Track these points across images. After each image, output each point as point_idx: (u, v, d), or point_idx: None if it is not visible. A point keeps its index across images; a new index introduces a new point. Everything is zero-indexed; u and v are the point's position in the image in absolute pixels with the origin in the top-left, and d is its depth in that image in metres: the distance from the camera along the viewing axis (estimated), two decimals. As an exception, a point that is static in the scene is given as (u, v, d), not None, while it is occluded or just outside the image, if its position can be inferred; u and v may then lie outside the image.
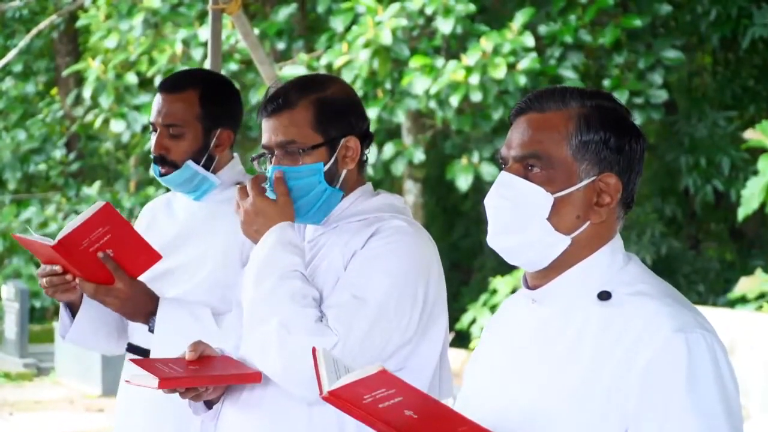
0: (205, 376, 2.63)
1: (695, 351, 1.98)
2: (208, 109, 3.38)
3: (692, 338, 1.98)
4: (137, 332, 3.31)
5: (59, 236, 3.00)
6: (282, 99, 2.77)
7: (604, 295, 2.07)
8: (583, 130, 2.09)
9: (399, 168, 12.34)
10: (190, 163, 3.35)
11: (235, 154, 3.49)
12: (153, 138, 3.38)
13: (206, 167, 3.38)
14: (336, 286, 2.67)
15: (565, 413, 2.01)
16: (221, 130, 3.40)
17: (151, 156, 3.38)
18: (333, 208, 2.79)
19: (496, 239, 2.13)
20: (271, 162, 2.78)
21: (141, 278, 3.20)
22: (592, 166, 2.09)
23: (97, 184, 15.95)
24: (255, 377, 2.64)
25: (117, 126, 12.96)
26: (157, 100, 3.39)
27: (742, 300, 10.42)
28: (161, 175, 3.36)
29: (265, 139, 2.79)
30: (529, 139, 2.10)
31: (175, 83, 3.42)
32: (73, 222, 3.00)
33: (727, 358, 2.02)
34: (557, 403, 2.02)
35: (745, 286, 10.33)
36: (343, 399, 1.99)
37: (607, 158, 2.09)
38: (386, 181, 14.03)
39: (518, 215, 2.09)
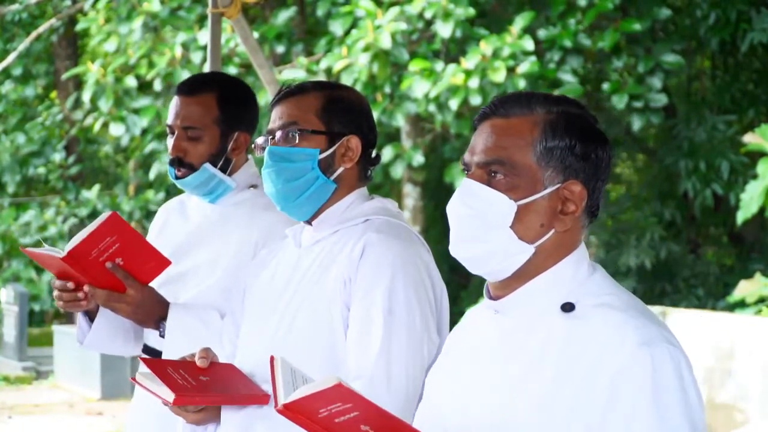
0: (218, 395, 2.61)
1: (660, 365, 1.94)
2: (225, 112, 3.38)
3: (657, 352, 1.95)
4: (153, 334, 3.32)
5: (68, 247, 3.01)
6: (296, 87, 2.82)
7: (568, 307, 2.03)
8: (549, 137, 2.04)
9: (398, 171, 12.34)
10: (207, 165, 3.35)
11: (250, 157, 3.49)
12: (170, 140, 3.37)
13: (223, 170, 3.38)
14: (355, 334, 2.66)
15: (529, 427, 1.97)
16: (238, 133, 3.40)
17: (168, 158, 3.38)
18: (323, 202, 2.78)
19: (458, 248, 2.08)
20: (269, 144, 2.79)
21: (155, 281, 3.20)
22: (557, 173, 2.04)
23: (97, 187, 15.95)
24: (264, 399, 2.63)
25: (116, 129, 12.95)
26: (175, 102, 3.39)
27: (742, 304, 10.41)
28: (177, 177, 3.36)
29: (270, 124, 2.81)
30: (493, 144, 2.05)
31: (193, 86, 3.42)
32: (81, 233, 3.00)
33: (692, 372, 1.99)
34: (520, 417, 1.98)
35: (744, 290, 10.32)
36: (297, 412, 1.94)
37: (573, 165, 2.04)
38: (385, 185, 14.03)
39: (481, 223, 2.04)
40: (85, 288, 3.10)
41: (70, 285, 3.11)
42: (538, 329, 2.03)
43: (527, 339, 2.04)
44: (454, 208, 2.07)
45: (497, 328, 2.09)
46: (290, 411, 1.95)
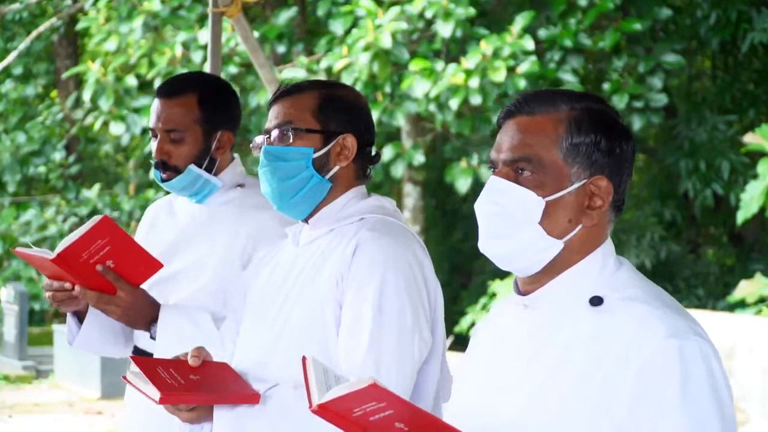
0: (206, 395, 2.61)
1: (688, 358, 1.95)
2: (207, 112, 3.37)
3: (685, 345, 1.96)
4: (143, 336, 3.31)
5: (58, 249, 3.00)
6: (292, 86, 2.82)
7: (596, 301, 2.04)
8: (574, 133, 2.07)
9: (398, 171, 12.34)
10: (192, 167, 3.34)
11: (236, 155, 3.49)
12: (153, 144, 3.37)
13: (208, 170, 3.38)
14: (346, 332, 2.66)
15: (556, 420, 1.98)
16: (221, 132, 3.39)
17: (152, 161, 3.38)
18: (319, 201, 2.78)
19: (487, 245, 2.10)
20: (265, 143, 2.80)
21: (144, 283, 3.19)
22: (583, 169, 2.07)
23: (97, 186, 15.95)
24: (254, 398, 2.62)
25: (116, 129, 12.96)
26: (156, 105, 3.38)
27: (742, 304, 10.42)
28: (163, 180, 3.36)
29: (267, 123, 2.81)
30: (519, 142, 2.08)
31: (172, 88, 3.41)
32: (72, 235, 3.00)
33: (721, 365, 1.99)
34: (548, 411, 1.99)
35: (744, 290, 10.33)
36: (332, 412, 1.96)
37: (598, 161, 2.07)
38: (386, 184, 14.03)
39: (509, 220, 2.06)
40: (76, 289, 3.10)
41: (68, 285, 3.11)
42: (567, 323, 2.05)
43: (555, 333, 2.05)
44: (482, 206, 2.09)
45: (525, 322, 2.11)
46: (325, 411, 1.97)
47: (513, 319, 2.14)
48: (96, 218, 2.99)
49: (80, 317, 3.32)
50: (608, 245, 2.12)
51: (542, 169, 2.06)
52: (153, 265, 3.14)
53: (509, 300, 2.19)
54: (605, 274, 2.08)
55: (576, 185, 2.06)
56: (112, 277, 3.08)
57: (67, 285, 3.11)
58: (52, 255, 3.01)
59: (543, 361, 2.04)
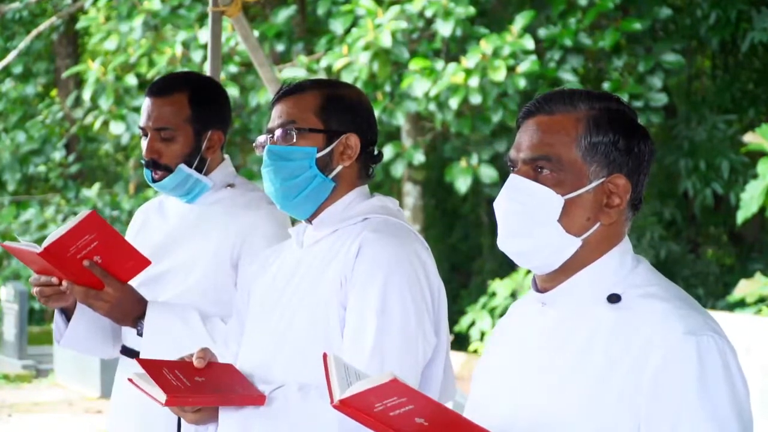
0: (212, 396, 2.61)
1: (705, 354, 1.98)
2: (197, 112, 3.37)
3: (703, 341, 1.99)
4: (131, 335, 3.31)
5: (45, 243, 3.00)
6: (295, 86, 2.82)
7: (614, 298, 2.07)
8: (593, 132, 2.10)
9: (398, 170, 12.34)
10: (182, 166, 3.34)
11: (226, 156, 3.49)
12: (144, 142, 3.38)
13: (198, 170, 3.38)
14: (350, 334, 2.66)
15: (576, 417, 2.01)
16: (212, 132, 3.40)
17: (142, 161, 3.38)
18: (322, 201, 2.77)
19: (506, 243, 2.12)
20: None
21: (133, 282, 3.20)
22: (602, 167, 2.09)
23: (97, 186, 15.95)
24: (260, 400, 2.63)
25: (116, 128, 12.96)
26: (147, 104, 3.38)
27: (742, 304, 10.42)
28: (154, 180, 3.36)
29: (269, 123, 2.81)
30: (539, 141, 2.10)
31: (163, 87, 3.41)
32: (60, 229, 3.01)
33: (737, 361, 2.03)
34: (568, 407, 2.02)
35: (744, 289, 10.33)
36: (353, 407, 1.98)
37: (617, 160, 2.10)
38: (386, 183, 14.04)
39: (529, 218, 2.09)
40: (64, 284, 3.10)
41: (55, 280, 3.11)
42: (585, 320, 2.08)
43: (574, 330, 2.08)
44: (501, 204, 2.12)
45: (544, 319, 2.13)
46: (346, 406, 1.99)
47: (532, 316, 2.17)
48: (84, 213, 3.00)
49: (68, 316, 3.32)
50: (626, 243, 2.14)
51: (561, 168, 2.08)
52: (141, 262, 3.14)
53: (528, 298, 2.21)
54: (623, 271, 2.11)
55: (594, 183, 2.09)
56: (99, 273, 3.08)
57: (55, 280, 3.11)
58: (40, 249, 3.02)
59: (563, 358, 2.06)
